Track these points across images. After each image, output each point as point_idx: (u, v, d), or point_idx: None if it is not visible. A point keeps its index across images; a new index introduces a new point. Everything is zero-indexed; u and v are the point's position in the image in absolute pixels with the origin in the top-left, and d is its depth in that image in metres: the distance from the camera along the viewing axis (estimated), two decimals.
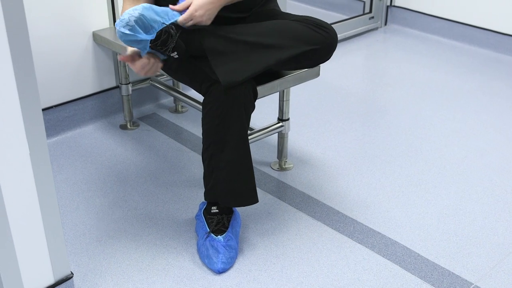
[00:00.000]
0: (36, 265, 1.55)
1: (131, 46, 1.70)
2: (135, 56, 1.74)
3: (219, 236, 1.83)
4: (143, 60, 1.73)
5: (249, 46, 1.75)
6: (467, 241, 1.95)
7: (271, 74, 1.99)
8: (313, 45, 1.81)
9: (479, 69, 3.28)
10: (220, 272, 1.80)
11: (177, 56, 1.71)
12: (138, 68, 1.74)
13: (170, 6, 1.72)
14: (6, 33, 1.28)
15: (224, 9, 1.80)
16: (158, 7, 1.68)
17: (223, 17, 1.81)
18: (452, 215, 2.08)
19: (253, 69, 1.74)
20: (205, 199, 1.91)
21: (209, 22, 1.74)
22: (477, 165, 2.37)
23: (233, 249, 1.84)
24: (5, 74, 1.31)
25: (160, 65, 1.78)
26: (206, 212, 1.90)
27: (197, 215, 1.96)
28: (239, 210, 2.01)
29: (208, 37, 1.73)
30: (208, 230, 1.86)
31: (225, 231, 1.85)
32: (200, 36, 1.72)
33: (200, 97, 1.97)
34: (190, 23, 1.71)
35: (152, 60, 1.74)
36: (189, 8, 1.71)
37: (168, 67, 1.91)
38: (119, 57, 1.76)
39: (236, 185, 1.82)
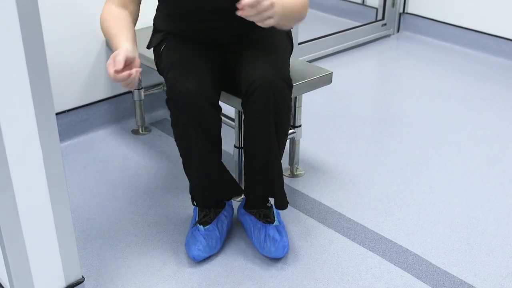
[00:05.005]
0: (47, 269, 1.56)
1: None
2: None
3: (200, 226, 1.90)
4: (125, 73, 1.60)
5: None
6: (479, 250, 1.94)
7: None
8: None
9: (492, 77, 3.27)
10: (195, 259, 1.86)
11: None
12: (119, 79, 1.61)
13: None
14: (21, 38, 1.29)
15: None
16: None
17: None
18: (464, 224, 2.07)
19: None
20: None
21: (270, 23, 1.57)
22: (490, 173, 2.36)
23: (212, 239, 1.88)
24: (19, 79, 1.32)
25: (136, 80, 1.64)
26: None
27: (194, 209, 2.01)
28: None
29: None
30: (196, 221, 1.93)
31: (210, 223, 1.91)
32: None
33: None
34: (253, 11, 1.52)
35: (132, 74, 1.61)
36: None
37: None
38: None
39: (201, 193, 1.92)
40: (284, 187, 2.07)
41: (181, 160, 1.87)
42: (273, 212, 1.95)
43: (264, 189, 1.90)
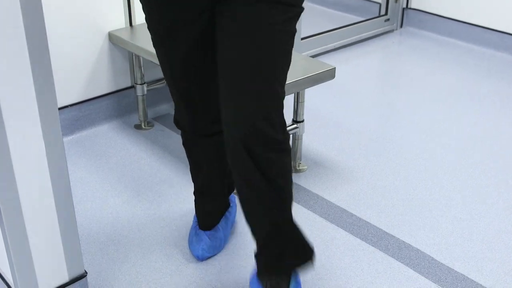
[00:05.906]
0: (50, 264, 1.56)
1: None
2: None
3: None
4: None
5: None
6: (482, 246, 1.94)
7: None
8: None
9: (495, 73, 3.26)
10: (199, 259, 1.85)
11: None
12: None
13: None
14: (24, 33, 1.29)
15: None
16: None
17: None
18: (467, 219, 2.07)
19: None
20: None
21: None
22: (493, 169, 2.36)
23: (217, 239, 1.87)
24: (23, 73, 1.32)
25: None
26: None
27: None
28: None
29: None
30: None
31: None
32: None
33: None
34: None
35: None
36: None
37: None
38: None
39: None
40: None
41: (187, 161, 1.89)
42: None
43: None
